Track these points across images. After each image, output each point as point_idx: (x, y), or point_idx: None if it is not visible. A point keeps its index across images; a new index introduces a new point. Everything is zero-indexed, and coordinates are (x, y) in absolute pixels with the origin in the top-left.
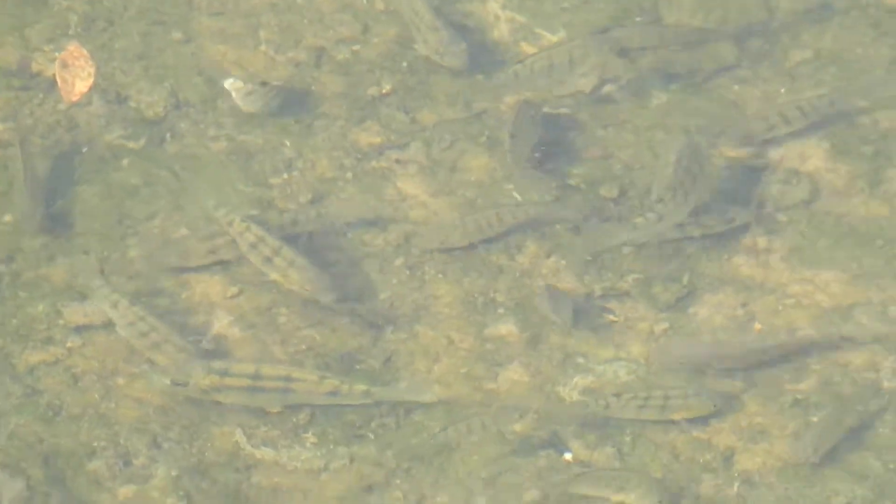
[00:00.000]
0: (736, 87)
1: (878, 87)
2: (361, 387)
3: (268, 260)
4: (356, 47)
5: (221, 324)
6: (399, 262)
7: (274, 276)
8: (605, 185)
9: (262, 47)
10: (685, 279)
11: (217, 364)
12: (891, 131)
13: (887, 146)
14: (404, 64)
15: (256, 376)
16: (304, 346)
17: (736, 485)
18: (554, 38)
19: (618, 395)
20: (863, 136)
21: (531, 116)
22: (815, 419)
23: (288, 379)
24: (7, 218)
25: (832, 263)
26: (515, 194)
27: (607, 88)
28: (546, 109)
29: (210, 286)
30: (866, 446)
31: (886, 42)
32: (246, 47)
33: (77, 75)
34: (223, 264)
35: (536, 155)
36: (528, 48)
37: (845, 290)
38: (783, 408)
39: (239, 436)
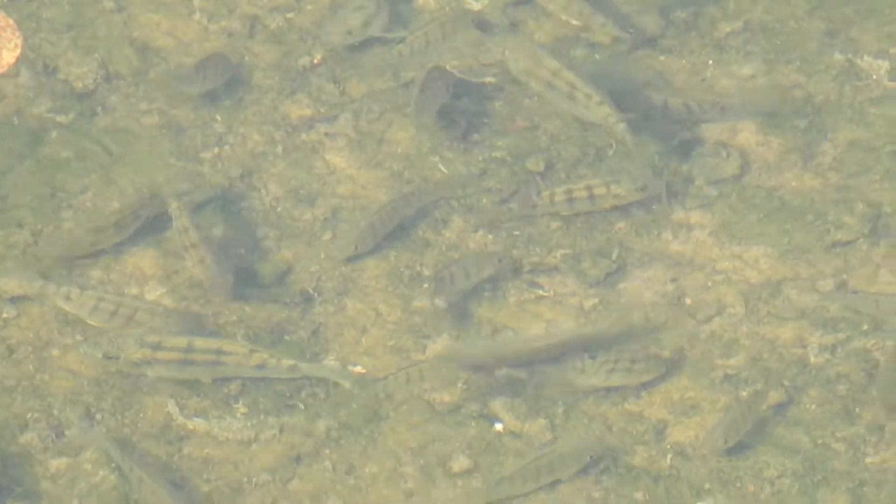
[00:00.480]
0: (662, 58)
1: None
2: (289, 361)
3: (185, 248)
4: (290, 15)
5: (154, 295)
6: (327, 236)
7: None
8: (532, 158)
9: (196, 16)
10: (614, 254)
11: (149, 337)
12: (824, 105)
13: (820, 119)
14: None
15: (188, 349)
16: (234, 318)
17: (669, 457)
18: (477, 7)
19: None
20: (796, 110)
21: (441, 78)
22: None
23: (219, 352)
24: None
25: (762, 238)
26: (441, 167)
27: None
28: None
29: (142, 259)
30: (796, 421)
31: (819, 14)
32: (179, 16)
33: (3, 46)
34: (154, 240)
35: (463, 125)
36: None
37: (775, 266)
38: (714, 383)
39: (171, 406)
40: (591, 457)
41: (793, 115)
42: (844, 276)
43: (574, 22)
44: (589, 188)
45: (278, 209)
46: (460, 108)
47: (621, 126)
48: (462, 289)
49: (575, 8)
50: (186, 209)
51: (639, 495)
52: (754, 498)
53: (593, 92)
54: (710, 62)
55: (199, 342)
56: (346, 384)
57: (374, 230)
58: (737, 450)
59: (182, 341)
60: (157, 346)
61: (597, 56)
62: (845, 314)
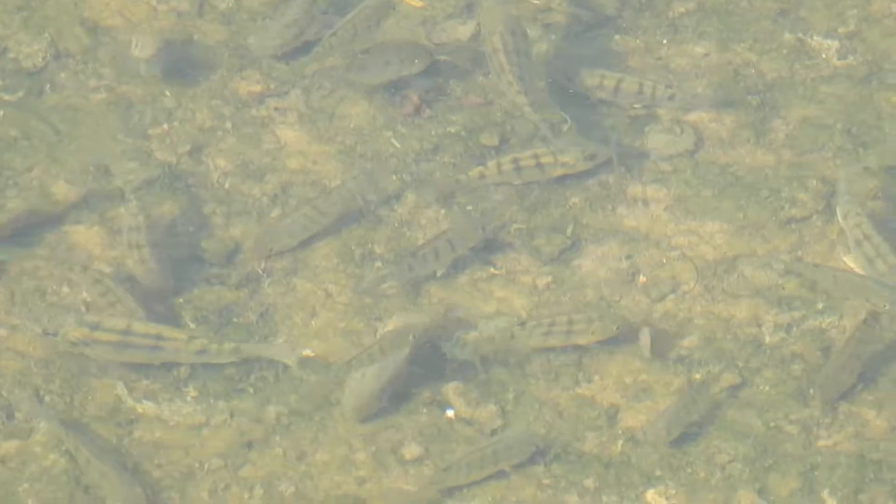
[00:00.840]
0: (617, 38)
1: None
2: (230, 345)
3: (130, 247)
4: None
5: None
6: (276, 212)
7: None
8: (486, 133)
9: None
10: (569, 230)
11: (89, 317)
12: (776, 81)
13: (773, 96)
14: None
15: (127, 332)
16: (181, 300)
17: (620, 442)
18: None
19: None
20: (748, 86)
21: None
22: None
23: (158, 337)
24: None
25: (717, 214)
26: (394, 141)
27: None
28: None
29: (89, 237)
30: (748, 404)
31: None
32: None
33: None
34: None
35: (416, 101)
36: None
37: (730, 242)
38: (667, 364)
39: (120, 389)
40: (535, 447)
41: (745, 92)
42: (799, 253)
43: (535, 1)
44: (536, 157)
45: (226, 185)
46: (413, 84)
47: (534, 117)
48: (446, 263)
49: None
50: (142, 208)
51: (589, 482)
52: (704, 483)
53: (515, 81)
54: (665, 42)
55: (139, 325)
56: (291, 364)
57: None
58: (688, 435)
59: (121, 323)
60: (95, 327)
61: (552, 36)
62: (801, 293)
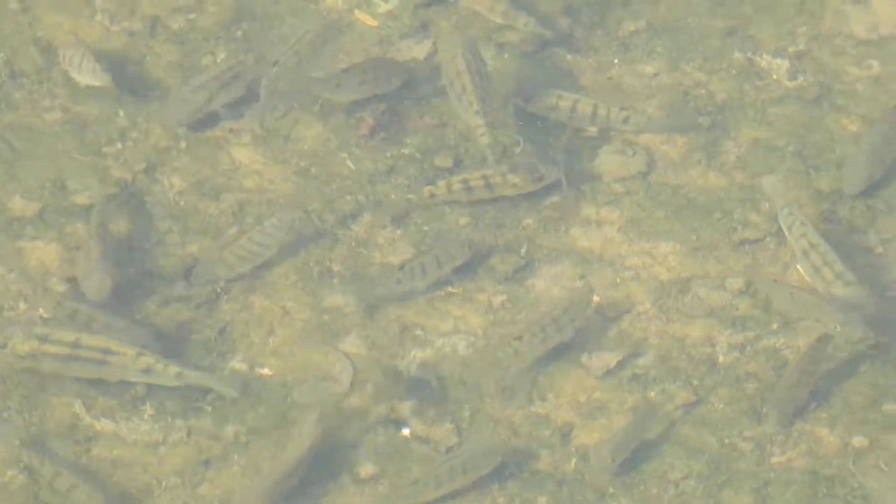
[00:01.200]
0: (570, 58)
1: None
2: (175, 368)
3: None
4: (192, 16)
5: (61, 290)
6: (233, 230)
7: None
8: (440, 155)
9: (98, 17)
10: (523, 250)
11: (38, 329)
12: (727, 102)
13: (724, 118)
14: (239, 33)
15: (75, 345)
16: (139, 316)
17: (573, 460)
18: (386, 7)
19: None
20: (699, 108)
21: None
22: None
23: (106, 351)
24: None
25: (670, 235)
26: (349, 163)
27: (435, 42)
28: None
29: (45, 253)
30: (702, 422)
31: (720, 13)
32: (82, 17)
33: None
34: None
35: (371, 122)
36: (362, 16)
37: (683, 263)
38: (622, 382)
39: (78, 406)
40: (499, 459)
41: (696, 114)
42: (753, 275)
43: (497, 20)
44: (485, 177)
45: (182, 203)
46: (368, 105)
47: (484, 140)
48: (435, 279)
49: (499, 8)
50: (105, 216)
51: (543, 500)
52: (657, 500)
53: (475, 101)
54: (616, 61)
55: (87, 339)
56: (232, 394)
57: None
58: (642, 452)
59: (70, 336)
60: (44, 339)
61: (506, 56)
62: (754, 313)
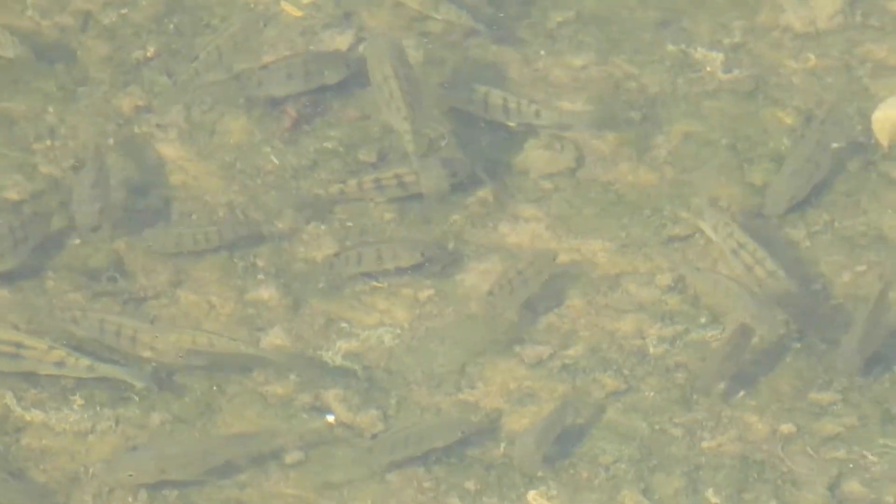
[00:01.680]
0: (494, 48)
1: None
2: (86, 361)
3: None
4: (124, 11)
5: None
6: (160, 225)
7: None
8: (364, 149)
9: (29, 12)
10: (450, 246)
11: None
12: (658, 96)
13: (655, 112)
14: (171, 26)
15: None
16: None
17: (502, 445)
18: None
19: None
20: (630, 101)
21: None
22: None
23: (19, 345)
24: None
25: (599, 232)
26: (273, 158)
27: (363, 47)
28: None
29: None
30: (633, 408)
31: (653, 4)
32: (12, 12)
33: None
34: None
35: (293, 116)
36: (288, 7)
37: (613, 260)
38: (552, 372)
39: (9, 398)
40: (462, 432)
41: (627, 107)
42: (682, 271)
43: (423, 10)
44: (398, 176)
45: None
46: (291, 98)
47: (410, 147)
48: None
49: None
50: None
51: (470, 484)
52: (588, 484)
53: (404, 107)
54: (543, 52)
55: (1, 332)
56: (139, 385)
57: None
58: (572, 436)
59: None
60: None
61: (429, 45)
62: (684, 308)
